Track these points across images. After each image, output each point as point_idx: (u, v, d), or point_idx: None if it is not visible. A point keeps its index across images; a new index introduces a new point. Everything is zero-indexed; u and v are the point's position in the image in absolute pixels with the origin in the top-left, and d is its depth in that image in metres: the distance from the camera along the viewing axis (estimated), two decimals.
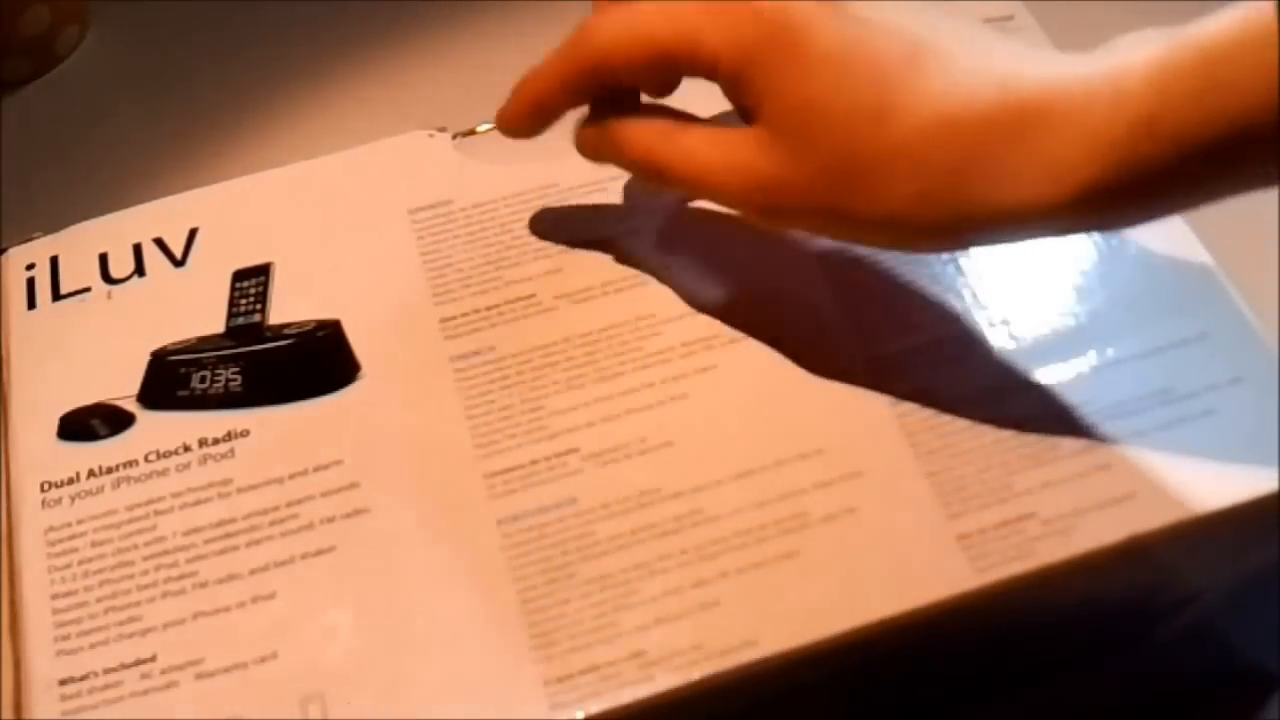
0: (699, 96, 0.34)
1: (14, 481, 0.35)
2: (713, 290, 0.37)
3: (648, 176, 0.35)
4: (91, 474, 0.35)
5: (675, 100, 0.35)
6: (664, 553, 0.32)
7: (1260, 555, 0.37)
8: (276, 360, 0.37)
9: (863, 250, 0.37)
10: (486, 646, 0.31)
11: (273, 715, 0.31)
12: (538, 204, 0.39)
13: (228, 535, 0.34)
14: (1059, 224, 0.30)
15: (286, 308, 0.38)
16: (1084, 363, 0.35)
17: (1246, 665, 0.41)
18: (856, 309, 0.36)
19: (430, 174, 0.40)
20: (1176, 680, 0.41)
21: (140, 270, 0.39)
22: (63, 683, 0.32)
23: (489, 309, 0.37)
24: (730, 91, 0.33)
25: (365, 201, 0.40)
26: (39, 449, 0.36)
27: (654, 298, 0.37)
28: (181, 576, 0.33)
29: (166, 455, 0.35)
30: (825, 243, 0.37)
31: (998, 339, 0.35)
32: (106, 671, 0.32)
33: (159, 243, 0.39)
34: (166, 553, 0.33)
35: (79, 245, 0.40)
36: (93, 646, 0.32)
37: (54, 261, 0.39)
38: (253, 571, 0.33)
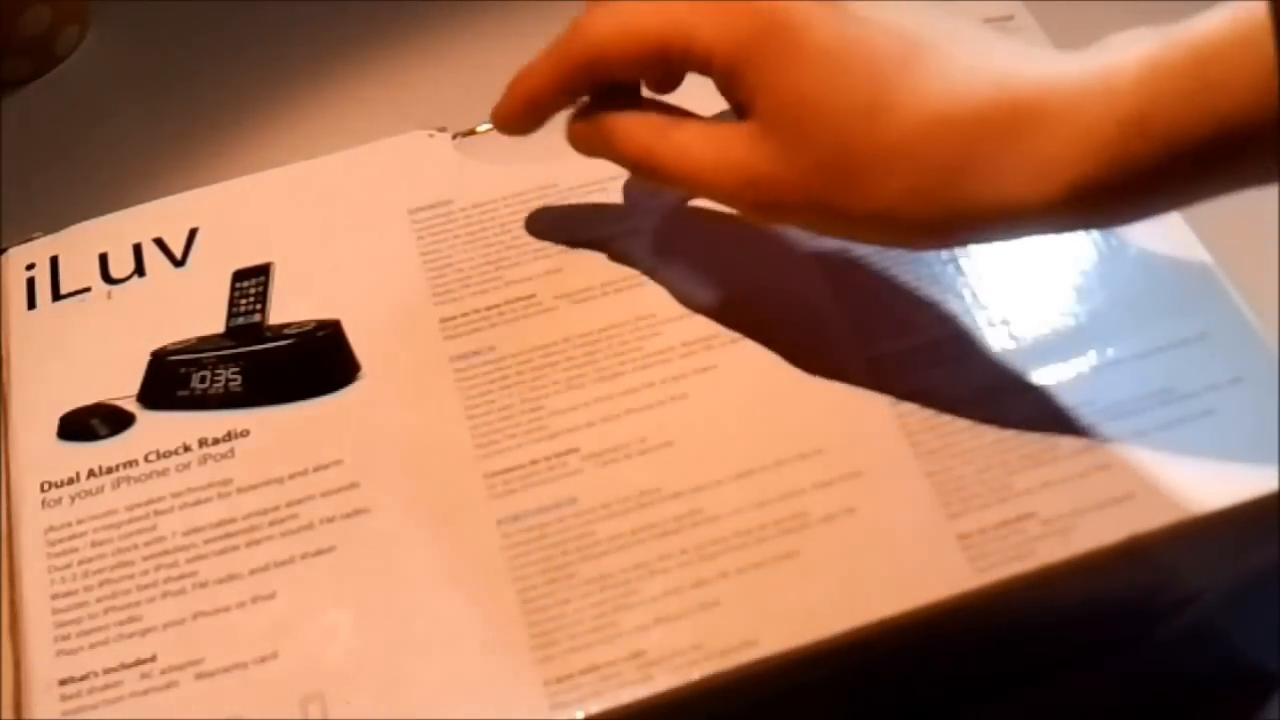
0: (699, 96, 0.34)
1: (14, 481, 0.35)
2: (713, 290, 0.37)
3: (640, 171, 0.35)
4: (91, 474, 0.35)
5: (680, 98, 0.35)
6: (664, 553, 0.32)
7: (1260, 555, 0.37)
8: (276, 360, 0.37)
9: (863, 250, 0.37)
10: (486, 646, 0.31)
11: (273, 715, 0.31)
12: (537, 204, 0.39)
13: (228, 535, 0.34)
14: (1052, 222, 0.30)
15: (286, 308, 0.38)
16: (1084, 363, 0.35)
17: (1246, 665, 0.41)
18: (857, 309, 0.36)
19: (430, 174, 0.40)
20: (1176, 680, 0.41)
21: (140, 270, 0.39)
22: (63, 683, 0.32)
23: (489, 309, 0.37)
24: (724, 87, 0.33)
25: (365, 201, 0.40)
26: (39, 449, 0.35)
27: (654, 298, 0.37)
28: (181, 576, 0.33)
29: (166, 455, 0.35)
30: (825, 243, 0.37)
31: (997, 339, 0.35)
32: (106, 671, 0.32)
33: (159, 243, 0.39)
34: (166, 553, 0.33)
35: (79, 245, 0.40)
36: (93, 646, 0.32)
37: (54, 261, 0.39)
38: (253, 571, 0.33)
